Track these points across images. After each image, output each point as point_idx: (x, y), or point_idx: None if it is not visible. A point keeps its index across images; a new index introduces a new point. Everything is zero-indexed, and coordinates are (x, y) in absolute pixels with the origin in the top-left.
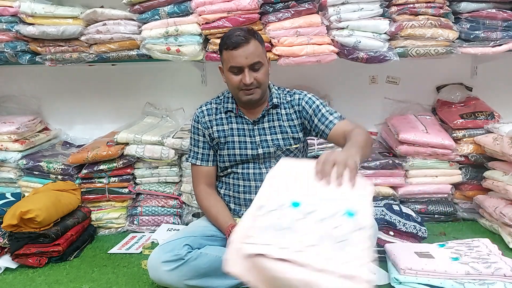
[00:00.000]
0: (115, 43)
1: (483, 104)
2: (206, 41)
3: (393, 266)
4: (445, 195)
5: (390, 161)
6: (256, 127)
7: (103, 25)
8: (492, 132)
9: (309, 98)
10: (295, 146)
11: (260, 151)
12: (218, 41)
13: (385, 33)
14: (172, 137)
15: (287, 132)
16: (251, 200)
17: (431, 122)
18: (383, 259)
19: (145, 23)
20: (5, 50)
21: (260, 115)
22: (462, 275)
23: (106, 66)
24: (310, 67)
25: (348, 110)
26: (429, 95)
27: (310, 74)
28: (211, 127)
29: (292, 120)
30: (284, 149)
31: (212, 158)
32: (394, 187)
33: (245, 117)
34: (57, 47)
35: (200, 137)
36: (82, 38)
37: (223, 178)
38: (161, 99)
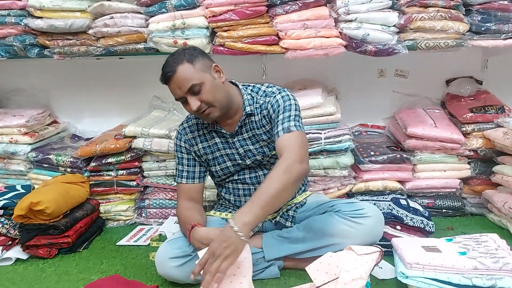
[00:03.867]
0: (123, 36)
1: (493, 98)
2: (213, 34)
3: (400, 260)
4: (453, 190)
5: (398, 155)
6: (236, 139)
7: (110, 18)
8: (502, 126)
9: (276, 100)
10: None
11: (248, 161)
12: (225, 34)
13: (394, 25)
14: None
15: (264, 140)
16: None
17: (440, 116)
18: (389, 253)
19: (152, 16)
20: (14, 43)
21: (237, 127)
22: (470, 270)
23: (113, 60)
24: (318, 60)
25: (356, 104)
26: (438, 89)
27: (318, 67)
28: (196, 144)
29: (264, 126)
30: (270, 155)
31: (198, 175)
32: (401, 182)
33: (223, 131)
34: (65, 41)
35: (184, 154)
36: (90, 31)
37: (224, 184)
38: (168, 93)
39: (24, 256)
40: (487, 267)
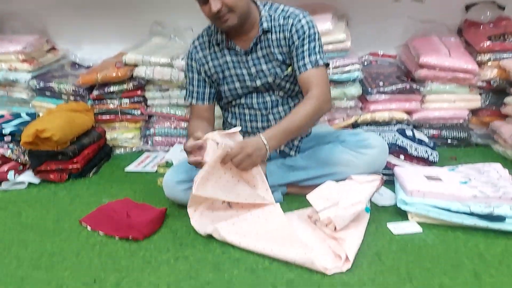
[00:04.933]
0: None
1: None
2: None
3: (401, 188)
4: (461, 121)
5: (408, 86)
6: (250, 57)
7: None
8: None
9: (302, 26)
10: (290, 69)
11: (258, 82)
12: None
13: None
14: (182, 59)
15: (278, 60)
16: (257, 128)
17: (455, 44)
18: (391, 182)
19: None
20: None
21: (252, 44)
22: (469, 198)
23: None
24: None
25: (367, 31)
26: (457, 15)
27: None
28: (207, 63)
29: (281, 46)
30: (282, 76)
31: (208, 96)
32: (409, 112)
33: (237, 48)
34: None
35: (194, 74)
36: None
37: (230, 108)
38: (169, 17)
39: (36, 180)
40: (487, 196)
